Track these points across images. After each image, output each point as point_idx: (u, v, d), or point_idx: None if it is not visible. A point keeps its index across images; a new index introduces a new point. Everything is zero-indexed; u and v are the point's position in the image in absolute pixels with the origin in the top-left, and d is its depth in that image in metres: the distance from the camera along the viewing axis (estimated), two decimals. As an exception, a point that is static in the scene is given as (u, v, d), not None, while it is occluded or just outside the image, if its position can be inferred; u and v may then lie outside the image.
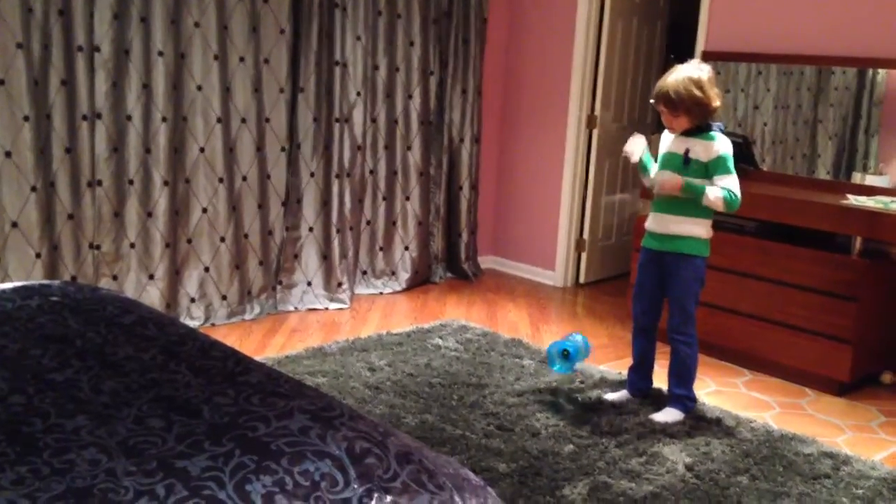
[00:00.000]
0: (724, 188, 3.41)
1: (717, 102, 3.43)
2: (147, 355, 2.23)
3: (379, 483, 1.66)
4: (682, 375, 3.65)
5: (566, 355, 3.86)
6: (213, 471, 1.60)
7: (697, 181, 3.45)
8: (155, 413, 1.86)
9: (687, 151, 3.48)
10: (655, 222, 3.62)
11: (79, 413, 1.84)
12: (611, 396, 3.82)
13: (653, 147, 3.67)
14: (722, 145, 3.46)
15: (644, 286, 3.72)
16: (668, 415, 3.62)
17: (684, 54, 3.72)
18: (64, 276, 4.20)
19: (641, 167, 3.65)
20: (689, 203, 3.50)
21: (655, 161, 3.66)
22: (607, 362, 4.33)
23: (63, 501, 1.47)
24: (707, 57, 4.95)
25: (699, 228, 3.53)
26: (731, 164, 3.46)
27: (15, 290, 2.66)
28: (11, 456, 1.63)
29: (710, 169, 3.45)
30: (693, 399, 3.70)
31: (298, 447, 1.71)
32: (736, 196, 3.43)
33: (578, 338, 4.07)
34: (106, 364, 2.15)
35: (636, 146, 3.61)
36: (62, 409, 1.86)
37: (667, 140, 3.61)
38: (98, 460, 1.63)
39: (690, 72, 3.42)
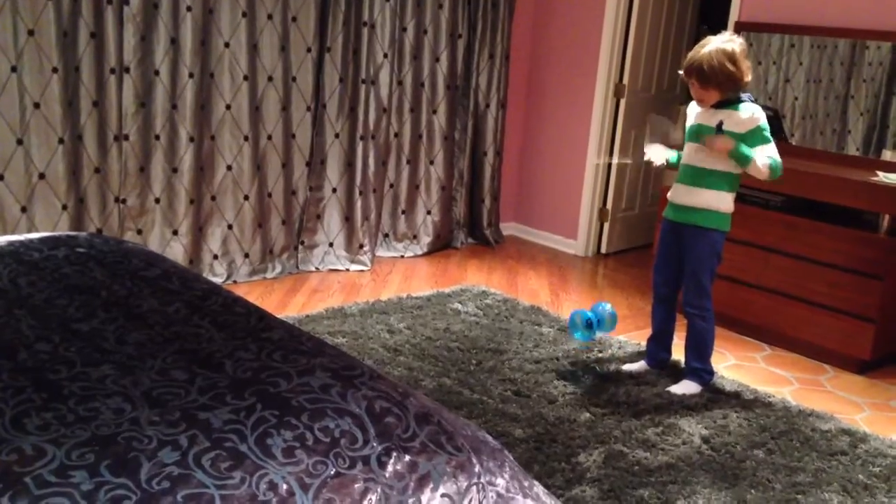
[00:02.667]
0: (768, 156, 3.38)
1: (748, 77, 3.37)
2: (171, 309, 2.26)
3: (398, 442, 1.67)
4: (699, 348, 3.64)
5: (590, 325, 3.82)
6: (234, 424, 1.62)
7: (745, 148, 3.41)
8: (178, 365, 1.88)
9: (720, 123, 3.42)
10: (678, 193, 3.59)
11: (104, 362, 1.86)
12: (629, 367, 3.83)
13: (680, 120, 3.63)
14: (756, 115, 3.40)
15: (663, 257, 3.71)
16: (685, 387, 3.63)
17: (716, 24, 3.64)
18: (90, 228, 4.24)
19: (671, 166, 3.68)
20: (713, 176, 3.46)
21: (684, 133, 3.63)
22: (626, 333, 4.32)
23: (88, 448, 1.50)
24: (740, 27, 4.88)
25: (721, 202, 3.49)
26: (768, 132, 3.41)
27: (42, 240, 2.68)
28: (38, 402, 1.65)
29: (748, 140, 3.39)
30: (710, 372, 3.69)
31: (319, 404, 1.72)
32: (779, 163, 3.39)
33: (607, 307, 3.91)
34: (130, 316, 2.17)
35: (656, 153, 3.63)
36: (88, 358, 1.88)
37: (696, 112, 3.56)
38: (122, 409, 1.65)
39: (723, 45, 3.33)
